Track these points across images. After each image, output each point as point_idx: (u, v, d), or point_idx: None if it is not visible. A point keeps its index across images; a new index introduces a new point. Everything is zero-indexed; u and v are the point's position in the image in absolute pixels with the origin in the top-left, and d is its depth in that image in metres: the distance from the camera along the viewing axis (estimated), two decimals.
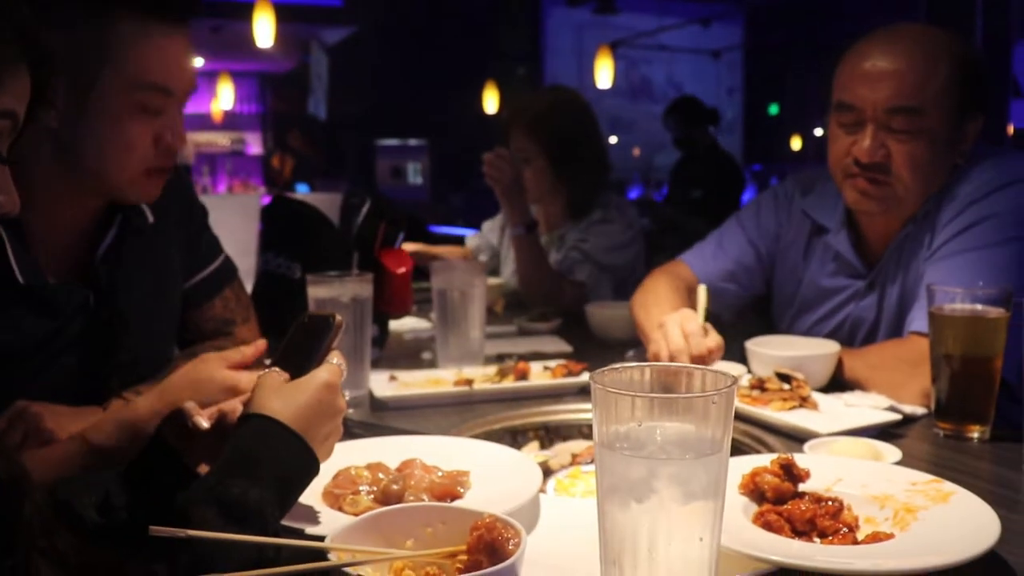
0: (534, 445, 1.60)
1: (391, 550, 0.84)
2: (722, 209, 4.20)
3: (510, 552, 0.81)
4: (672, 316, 1.65)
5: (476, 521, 0.85)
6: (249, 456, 0.91)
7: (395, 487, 1.05)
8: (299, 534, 0.94)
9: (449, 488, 1.07)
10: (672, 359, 1.57)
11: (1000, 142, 5.34)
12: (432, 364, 1.99)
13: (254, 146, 12.82)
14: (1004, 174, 1.67)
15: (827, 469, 1.13)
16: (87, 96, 1.30)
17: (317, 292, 1.64)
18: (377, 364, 1.88)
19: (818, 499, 1.05)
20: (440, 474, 1.11)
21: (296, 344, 1.09)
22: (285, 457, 0.93)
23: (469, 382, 1.70)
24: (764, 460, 1.11)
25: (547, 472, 1.42)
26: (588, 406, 1.66)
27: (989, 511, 0.98)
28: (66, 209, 1.39)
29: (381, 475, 1.10)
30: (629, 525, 0.77)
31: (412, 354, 2.11)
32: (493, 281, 2.86)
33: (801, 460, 1.12)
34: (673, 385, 0.82)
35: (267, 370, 1.02)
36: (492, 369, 1.81)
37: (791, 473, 1.06)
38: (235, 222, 3.92)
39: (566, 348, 2.18)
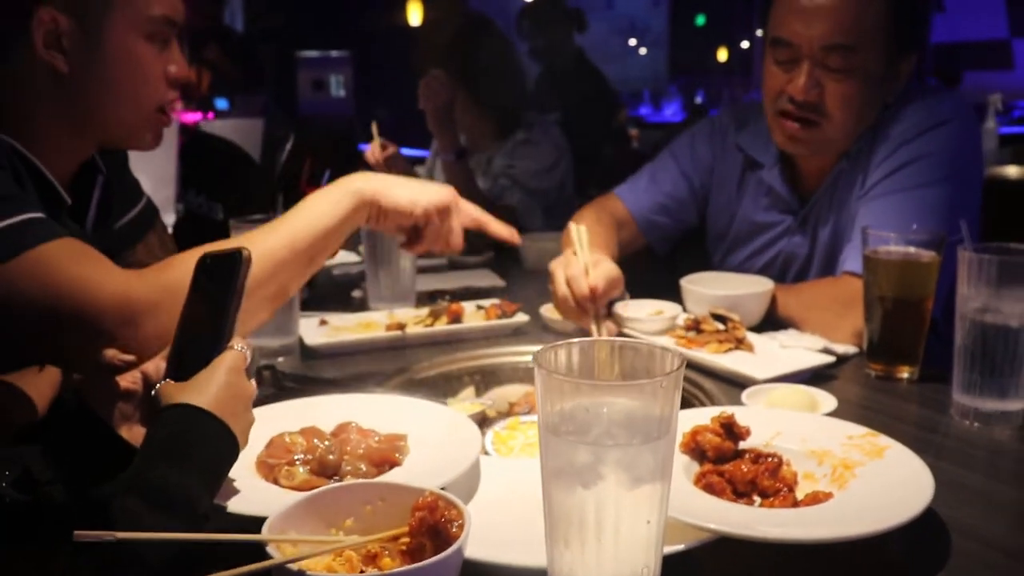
0: (470, 391, 1.58)
1: (333, 538, 0.81)
2: (587, 136, 4.00)
3: (454, 535, 0.79)
4: (556, 262, 1.66)
5: (418, 500, 0.83)
6: (173, 444, 0.87)
7: (331, 457, 1.01)
8: (236, 518, 0.90)
9: (387, 454, 1.04)
10: (562, 305, 1.61)
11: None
12: (363, 303, 1.95)
13: None
14: (935, 114, 1.66)
15: (766, 423, 1.13)
16: (98, 36, 1.26)
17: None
18: (307, 305, 1.83)
19: (758, 456, 1.06)
20: (377, 439, 1.08)
21: (205, 292, 1.02)
22: (209, 442, 0.89)
23: (401, 326, 1.66)
24: (704, 416, 1.10)
25: (485, 422, 1.40)
26: (523, 348, 1.66)
27: (922, 467, 0.99)
28: (59, 157, 1.33)
29: (316, 441, 1.06)
30: (576, 508, 0.75)
31: (342, 293, 2.06)
32: None
33: (740, 414, 1.11)
34: (620, 361, 0.79)
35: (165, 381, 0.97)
36: (424, 310, 1.77)
37: (731, 432, 1.06)
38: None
39: (499, 283, 2.16)
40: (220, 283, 1.01)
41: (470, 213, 1.45)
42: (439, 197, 1.39)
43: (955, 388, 1.28)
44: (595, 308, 1.55)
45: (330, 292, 2.06)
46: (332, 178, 2.00)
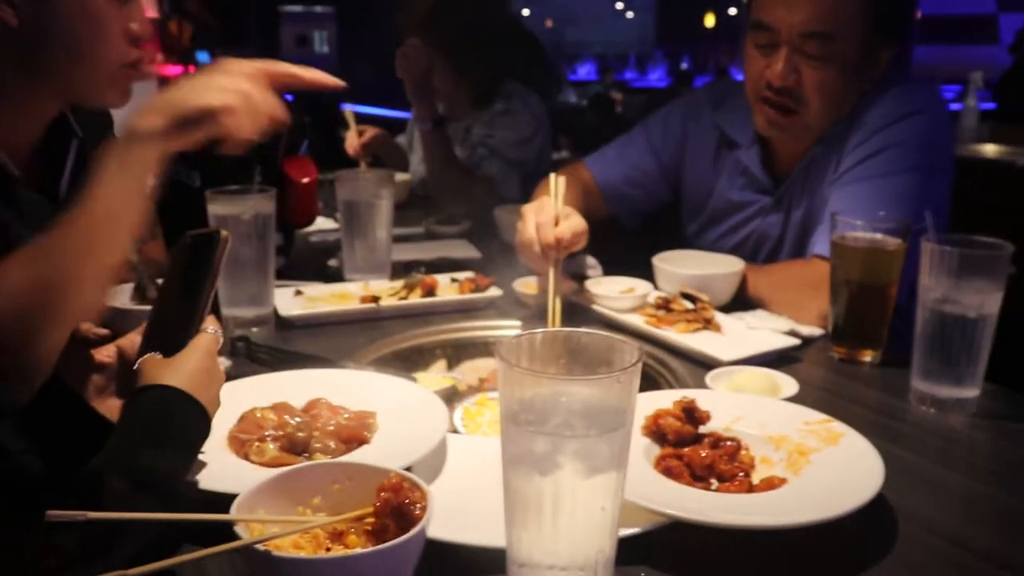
0: (441, 364, 1.60)
1: (300, 518, 0.84)
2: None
3: (417, 517, 0.81)
4: (529, 206, 1.69)
5: (383, 481, 0.85)
6: (159, 427, 0.89)
7: (300, 435, 1.04)
8: (208, 494, 0.93)
9: (356, 432, 1.07)
10: (526, 248, 1.65)
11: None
12: (339, 273, 1.96)
13: (149, 9, 12.10)
14: (910, 103, 1.68)
15: (727, 407, 1.16)
16: None
17: (216, 209, 1.58)
18: (283, 275, 1.84)
19: (717, 440, 1.09)
20: (346, 416, 1.10)
21: (183, 270, 1.05)
22: (190, 425, 0.92)
23: (375, 299, 1.68)
24: (667, 400, 1.13)
25: (455, 396, 1.43)
26: (496, 322, 1.69)
27: (874, 455, 1.03)
28: (18, 118, 1.31)
29: (287, 417, 1.09)
30: (533, 494, 0.78)
31: (319, 261, 2.07)
32: (400, 176, 2.82)
33: (702, 398, 1.15)
34: (579, 351, 0.82)
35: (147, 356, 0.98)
36: (399, 282, 1.79)
37: (692, 416, 1.09)
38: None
39: (474, 254, 2.17)
40: (197, 263, 1.03)
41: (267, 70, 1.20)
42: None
43: (914, 374, 1.32)
44: (556, 256, 1.59)
45: (307, 260, 2.07)
46: (311, 149, 2.01)
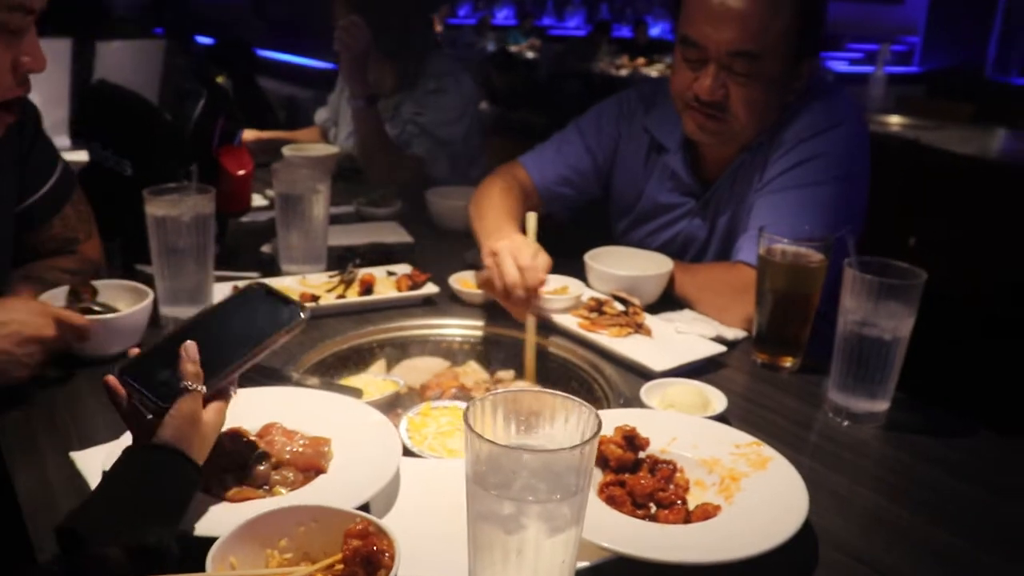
0: (380, 364, 1.63)
1: (275, 571, 0.87)
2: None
3: (386, 564, 0.86)
4: (504, 245, 1.62)
5: (349, 527, 0.89)
6: (173, 504, 0.93)
7: (261, 468, 1.06)
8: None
9: (312, 460, 1.10)
10: (508, 292, 1.59)
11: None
12: (272, 261, 1.96)
13: None
14: (832, 115, 1.76)
15: (663, 428, 1.23)
16: None
17: (155, 210, 1.56)
18: (218, 262, 1.83)
19: (655, 463, 1.16)
20: (302, 442, 1.13)
21: (244, 315, 1.04)
22: (191, 494, 0.95)
23: (315, 298, 1.69)
24: (608, 425, 1.19)
25: (396, 400, 1.46)
26: (433, 320, 1.72)
27: (799, 483, 1.11)
28: None
29: (244, 443, 1.11)
30: (498, 547, 0.83)
31: (251, 246, 2.06)
32: (328, 149, 2.80)
33: (639, 419, 1.21)
34: (539, 413, 0.86)
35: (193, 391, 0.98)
36: (335, 276, 1.80)
37: (633, 443, 1.15)
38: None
39: (407, 238, 2.19)
40: (265, 320, 1.03)
41: None
42: None
43: (831, 387, 1.41)
44: (537, 299, 1.59)
45: (240, 245, 2.05)
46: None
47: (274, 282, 1.77)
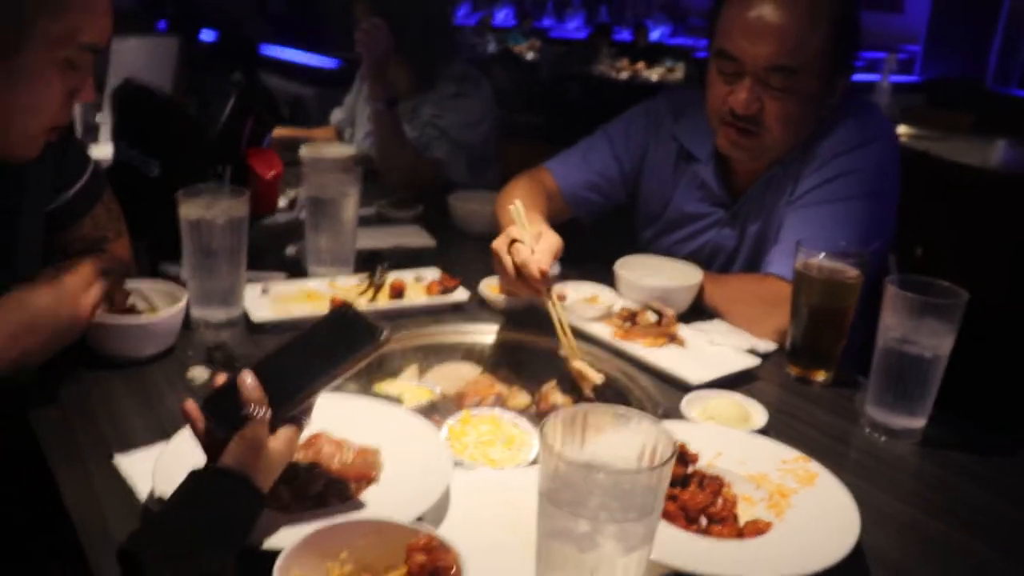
0: (413, 370, 1.62)
1: None
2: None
3: None
4: (499, 244, 1.61)
5: (412, 541, 0.89)
6: (236, 531, 0.92)
7: (314, 479, 1.06)
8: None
9: (362, 471, 1.09)
10: (513, 289, 1.62)
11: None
12: (297, 263, 1.95)
13: None
14: (866, 132, 1.76)
15: (707, 441, 1.23)
16: (16, 50, 1.21)
17: (189, 212, 1.55)
18: None
19: (703, 478, 1.16)
20: (351, 452, 1.12)
21: (325, 340, 1.01)
22: (246, 511, 0.94)
23: (347, 304, 1.68)
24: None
25: (433, 408, 1.46)
26: (464, 327, 1.72)
27: (849, 501, 1.11)
28: None
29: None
30: (571, 567, 0.83)
31: (275, 247, 2.04)
32: (346, 150, 2.79)
33: (684, 432, 1.21)
34: (611, 430, 0.86)
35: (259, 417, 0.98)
36: (363, 278, 1.80)
37: (683, 458, 1.15)
38: None
39: (429, 242, 2.19)
40: (345, 343, 1.00)
41: None
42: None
43: (868, 402, 1.41)
44: (547, 286, 1.56)
45: (264, 245, 2.04)
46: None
47: (301, 284, 1.77)
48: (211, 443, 0.99)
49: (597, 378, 1.48)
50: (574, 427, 0.86)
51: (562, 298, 1.62)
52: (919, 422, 1.38)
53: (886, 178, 1.76)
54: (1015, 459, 1.37)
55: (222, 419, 0.99)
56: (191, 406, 1.01)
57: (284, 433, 1.00)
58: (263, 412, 0.97)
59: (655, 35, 11.06)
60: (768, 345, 1.66)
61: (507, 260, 1.59)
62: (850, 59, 1.76)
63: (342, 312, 1.04)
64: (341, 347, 1.00)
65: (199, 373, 1.44)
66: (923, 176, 3.96)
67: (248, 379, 0.99)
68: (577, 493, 0.81)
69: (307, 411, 1.05)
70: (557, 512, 0.81)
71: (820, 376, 1.57)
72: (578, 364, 1.49)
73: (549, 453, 0.81)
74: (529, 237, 1.60)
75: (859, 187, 1.71)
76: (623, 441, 0.87)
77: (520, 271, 1.56)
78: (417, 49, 2.69)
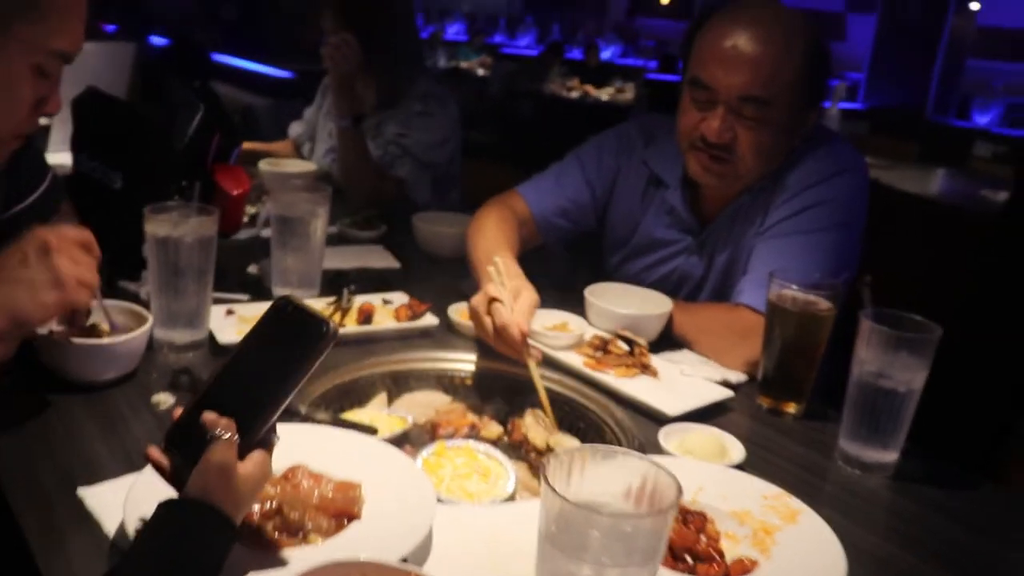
0: (381, 398, 1.60)
1: None
2: None
3: None
4: (478, 303, 1.60)
5: None
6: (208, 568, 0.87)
7: (295, 515, 1.03)
8: None
9: (343, 507, 1.06)
10: (498, 348, 1.60)
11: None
12: (260, 283, 1.92)
13: None
14: (836, 163, 1.79)
15: (688, 476, 1.21)
16: None
17: (157, 229, 1.51)
18: None
19: (686, 514, 1.15)
20: (331, 486, 1.09)
21: (273, 345, 0.93)
22: (216, 541, 0.89)
23: None
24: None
25: (405, 437, 1.43)
26: (433, 353, 1.69)
27: (832, 537, 1.11)
28: None
29: (268, 487, 1.07)
30: None
31: (236, 265, 2.00)
32: (306, 166, 2.76)
33: (665, 466, 1.20)
34: (619, 474, 0.85)
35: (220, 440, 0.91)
36: (330, 301, 1.77)
37: None
38: None
39: (394, 264, 2.17)
40: (297, 345, 0.93)
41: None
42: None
43: (842, 436, 1.42)
44: (527, 348, 1.55)
45: (226, 263, 1.98)
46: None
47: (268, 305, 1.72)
48: (182, 483, 0.93)
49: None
50: (577, 466, 0.84)
51: (540, 359, 1.59)
52: (892, 456, 1.40)
53: (855, 209, 1.78)
54: (982, 493, 1.40)
55: (188, 453, 0.92)
56: (154, 453, 0.94)
57: (255, 456, 0.94)
58: (225, 434, 0.91)
59: (606, 55, 11.17)
60: (739, 376, 1.67)
61: (487, 322, 1.58)
62: (821, 90, 1.78)
63: (283, 307, 0.95)
64: (294, 350, 0.93)
65: (164, 398, 1.40)
66: (874, 204, 4.06)
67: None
68: (578, 536, 0.80)
69: (273, 428, 0.98)
70: (559, 555, 0.80)
71: (792, 408, 1.57)
72: (554, 439, 1.46)
73: (551, 495, 0.79)
74: (508, 296, 1.59)
75: (830, 218, 1.74)
76: (616, 480, 0.86)
77: (499, 333, 1.55)
78: (386, 65, 2.66)
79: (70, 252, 1.23)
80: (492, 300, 1.58)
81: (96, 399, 1.39)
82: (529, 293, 1.61)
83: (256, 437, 0.95)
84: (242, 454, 0.93)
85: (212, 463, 0.90)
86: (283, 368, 0.93)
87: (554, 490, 0.79)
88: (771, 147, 1.76)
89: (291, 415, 1.37)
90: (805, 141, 1.82)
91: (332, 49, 2.49)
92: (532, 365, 1.55)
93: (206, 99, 1.80)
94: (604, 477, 0.86)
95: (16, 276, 1.19)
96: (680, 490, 0.81)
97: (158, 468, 0.94)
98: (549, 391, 1.57)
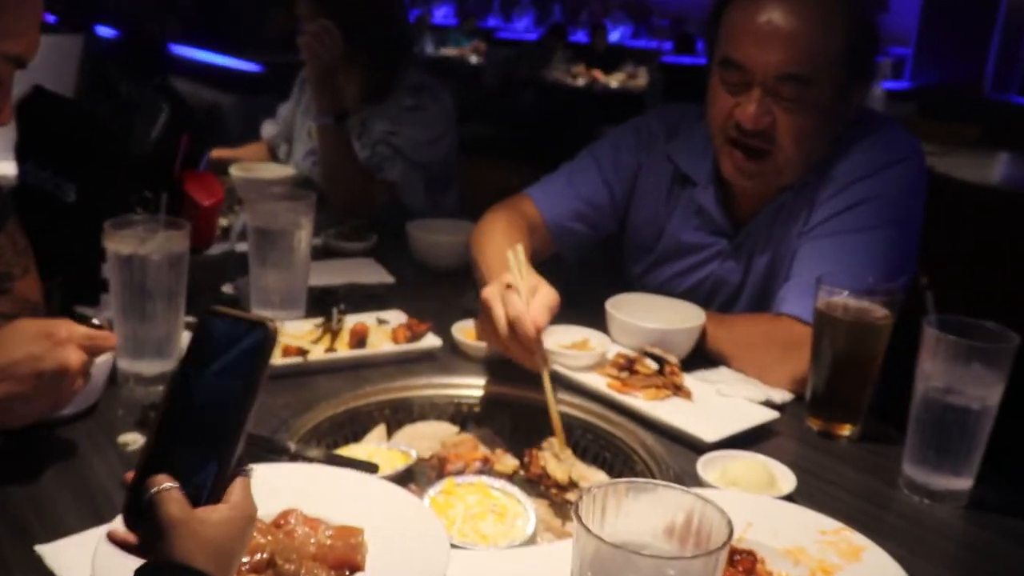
0: (380, 431, 1.61)
1: None
2: None
3: None
4: (491, 294, 1.59)
5: None
6: None
7: (289, 566, 1.03)
8: None
9: (344, 555, 1.06)
10: (507, 349, 1.59)
11: None
12: (236, 302, 1.93)
13: None
14: (889, 151, 1.79)
15: (734, 511, 1.21)
16: None
17: (120, 247, 1.51)
18: None
19: (733, 552, 1.15)
20: (329, 532, 1.09)
21: (214, 368, 0.90)
22: None
23: (302, 352, 1.66)
24: None
25: (409, 479, 1.44)
26: (437, 379, 1.70)
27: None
28: None
29: (255, 534, 1.07)
30: None
31: (209, 284, 2.00)
32: (283, 170, 2.77)
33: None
34: (658, 511, 0.85)
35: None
36: (318, 323, 1.78)
37: None
38: None
39: (387, 279, 2.18)
40: (242, 357, 0.90)
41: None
42: None
43: (906, 460, 1.42)
44: (541, 350, 1.55)
45: (198, 283, 1.97)
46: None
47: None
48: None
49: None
50: (612, 503, 0.84)
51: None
52: (965, 483, 1.39)
53: (912, 203, 1.79)
54: None
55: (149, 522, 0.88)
56: (117, 534, 0.91)
57: (229, 496, 0.90)
58: (167, 484, 0.88)
59: (614, 36, 11.23)
60: (785, 395, 1.67)
61: (500, 312, 1.57)
62: (868, 67, 1.79)
63: (209, 322, 0.94)
64: (236, 366, 0.90)
65: (132, 438, 1.41)
66: (929, 196, 4.06)
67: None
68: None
69: (242, 460, 0.93)
70: None
71: (846, 430, 1.58)
72: (577, 471, 1.46)
73: (586, 535, 0.79)
74: (526, 289, 1.59)
75: (884, 213, 1.74)
76: (656, 517, 0.86)
77: (512, 326, 1.55)
78: (371, 55, 2.67)
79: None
80: (508, 288, 1.58)
81: (55, 440, 1.39)
82: (548, 290, 1.60)
83: (222, 475, 0.91)
84: (219, 495, 0.91)
85: (162, 522, 0.86)
86: (229, 390, 0.91)
87: (588, 530, 0.79)
88: (813, 133, 1.76)
89: (279, 453, 1.37)
90: (851, 127, 1.82)
91: (310, 38, 2.51)
92: (545, 375, 1.54)
93: (169, 98, 1.81)
94: (643, 514, 0.86)
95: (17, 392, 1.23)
96: (731, 527, 0.81)
97: (126, 547, 0.93)
98: (568, 416, 1.58)
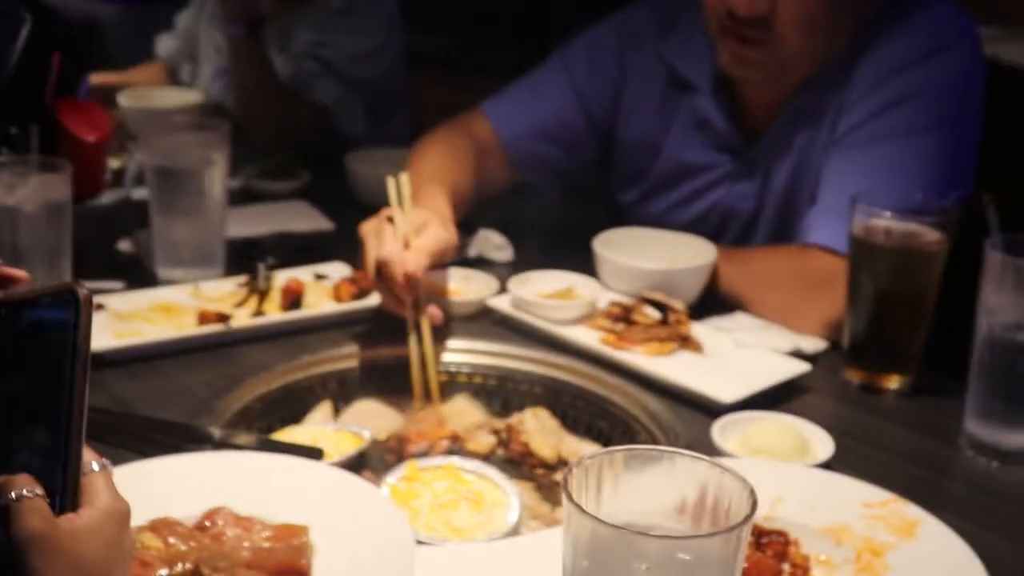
0: (326, 409, 1.61)
1: None
2: None
3: None
4: (368, 229, 1.64)
5: None
6: None
7: None
8: None
9: (288, 560, 1.07)
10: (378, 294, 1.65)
11: None
12: (136, 262, 1.92)
13: None
14: (934, 37, 1.78)
15: (762, 484, 1.23)
16: None
17: None
18: None
19: (760, 534, 1.16)
20: (265, 534, 1.10)
21: (16, 363, 0.89)
22: None
23: (223, 318, 1.65)
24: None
25: (362, 465, 1.44)
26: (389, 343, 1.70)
27: (967, 554, 1.13)
28: None
29: (177, 542, 1.07)
30: None
31: (100, 243, 1.99)
32: (185, 96, 2.76)
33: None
34: (666, 482, 0.86)
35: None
36: (240, 283, 1.78)
37: None
38: None
39: (325, 224, 2.18)
40: (50, 341, 0.93)
41: None
42: None
43: (969, 415, 1.44)
44: (412, 296, 1.58)
45: (87, 239, 1.96)
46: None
47: (151, 294, 1.73)
48: None
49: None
50: (602, 478, 0.85)
51: (439, 321, 1.63)
52: None
53: (966, 100, 1.78)
54: None
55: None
56: None
57: (89, 498, 0.87)
58: (24, 490, 0.84)
59: None
60: (815, 343, 1.68)
61: (370, 251, 1.61)
62: None
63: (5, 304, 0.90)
64: (50, 349, 0.87)
65: None
66: (990, 91, 4.06)
67: None
68: (621, 571, 0.80)
69: (95, 460, 0.93)
70: None
71: (894, 382, 1.60)
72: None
73: (579, 517, 0.80)
74: (408, 226, 1.61)
75: (931, 114, 1.74)
76: (664, 491, 0.87)
77: (379, 269, 1.57)
78: None
79: None
80: (388, 222, 1.61)
81: None
82: (437, 230, 1.62)
83: (69, 476, 0.91)
84: (65, 505, 0.91)
85: (21, 540, 0.83)
86: (50, 377, 0.88)
87: (582, 509, 0.80)
88: (824, 16, 1.74)
89: (200, 442, 1.37)
90: (883, 8, 1.81)
91: None
92: (425, 328, 1.58)
93: (32, 6, 1.78)
94: (647, 489, 0.87)
95: None
96: (755, 497, 0.82)
97: None
98: (553, 381, 1.59)
